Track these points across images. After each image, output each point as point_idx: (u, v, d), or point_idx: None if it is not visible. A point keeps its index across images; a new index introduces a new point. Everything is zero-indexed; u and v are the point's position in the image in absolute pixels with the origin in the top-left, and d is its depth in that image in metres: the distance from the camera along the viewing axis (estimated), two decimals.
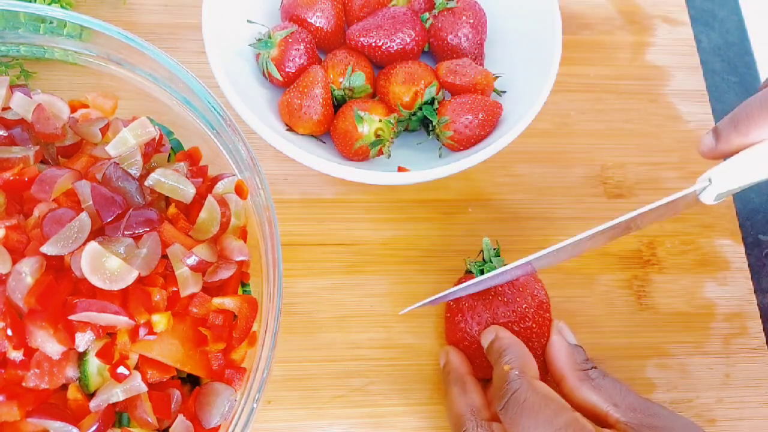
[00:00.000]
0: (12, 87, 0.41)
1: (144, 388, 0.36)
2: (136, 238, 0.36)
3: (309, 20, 0.52)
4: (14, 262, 0.33)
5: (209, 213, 0.39)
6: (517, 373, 0.39)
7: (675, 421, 0.38)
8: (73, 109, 0.44)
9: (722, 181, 0.39)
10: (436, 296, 0.46)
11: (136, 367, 0.36)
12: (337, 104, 0.52)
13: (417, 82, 0.50)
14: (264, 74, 0.52)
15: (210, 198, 0.39)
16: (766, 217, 0.57)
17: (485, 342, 0.44)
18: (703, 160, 0.59)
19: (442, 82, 0.52)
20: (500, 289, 0.47)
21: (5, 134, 0.39)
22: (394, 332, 0.50)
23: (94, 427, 0.34)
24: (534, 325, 0.46)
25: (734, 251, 0.55)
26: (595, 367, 0.42)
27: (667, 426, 0.37)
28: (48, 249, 0.34)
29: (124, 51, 0.43)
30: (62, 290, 0.34)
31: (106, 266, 0.34)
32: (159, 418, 0.36)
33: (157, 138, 0.41)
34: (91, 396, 0.36)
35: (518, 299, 0.46)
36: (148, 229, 0.36)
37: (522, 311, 0.46)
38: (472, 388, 0.43)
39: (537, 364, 0.44)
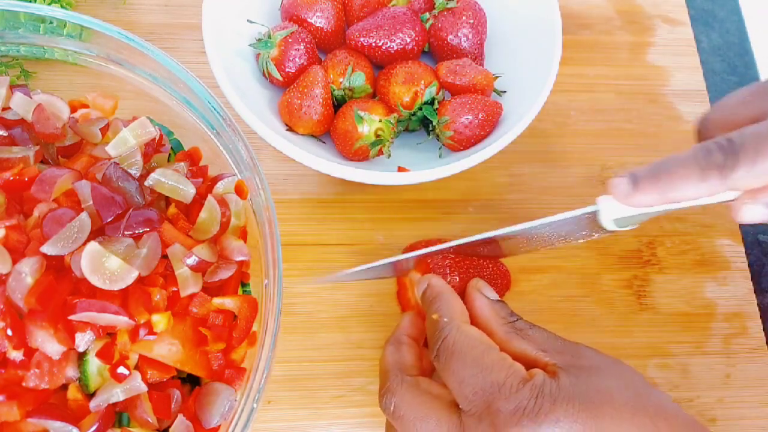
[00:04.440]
0: (12, 87, 0.41)
1: (144, 388, 0.36)
2: (136, 238, 0.36)
3: (309, 20, 0.52)
4: (14, 262, 0.33)
5: (209, 213, 0.39)
6: (446, 320, 0.40)
7: (601, 360, 0.39)
8: (73, 109, 0.44)
9: (608, 207, 0.39)
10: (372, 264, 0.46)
11: (136, 367, 0.36)
12: (337, 104, 0.52)
13: (417, 82, 0.50)
14: (264, 74, 0.52)
15: (210, 198, 0.39)
16: None
17: (419, 292, 0.44)
18: None
19: (442, 82, 0.52)
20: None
21: (5, 134, 0.39)
22: None
23: (94, 427, 0.34)
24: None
25: (734, 251, 0.55)
26: (520, 318, 0.42)
27: (593, 365, 0.38)
28: (48, 249, 0.34)
29: (124, 51, 0.43)
30: (62, 290, 0.34)
31: (106, 266, 0.34)
32: (159, 418, 0.36)
33: (157, 138, 0.41)
34: (91, 396, 0.35)
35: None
36: (148, 229, 0.36)
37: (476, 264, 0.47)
38: (405, 348, 0.42)
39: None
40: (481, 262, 0.48)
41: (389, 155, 0.51)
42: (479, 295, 0.43)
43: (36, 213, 0.36)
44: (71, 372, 0.35)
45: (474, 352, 0.37)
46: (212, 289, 0.39)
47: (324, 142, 0.52)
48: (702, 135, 0.42)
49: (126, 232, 0.36)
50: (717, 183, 0.35)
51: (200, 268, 0.37)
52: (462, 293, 0.45)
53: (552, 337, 0.40)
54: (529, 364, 0.38)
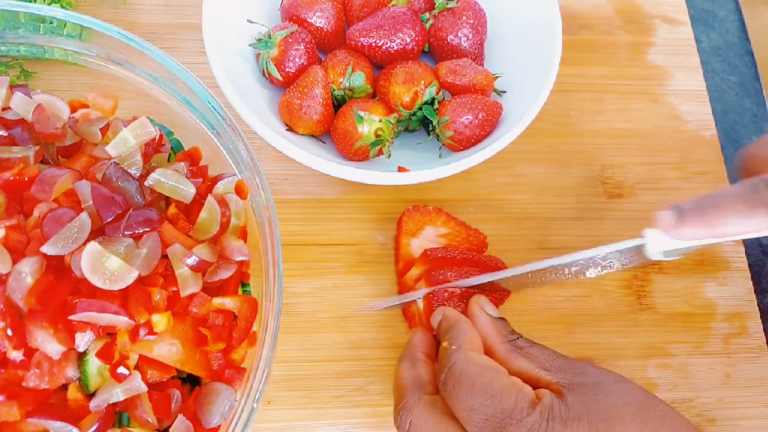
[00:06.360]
0: (12, 87, 0.41)
1: (144, 388, 0.36)
2: (136, 238, 0.36)
3: (309, 20, 0.52)
4: (14, 262, 0.33)
5: (209, 213, 0.39)
6: (453, 347, 0.39)
7: (602, 375, 0.39)
8: (73, 109, 0.44)
9: (655, 240, 0.39)
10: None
11: (136, 367, 0.36)
12: (337, 104, 0.52)
13: (417, 82, 0.50)
14: (264, 74, 0.52)
15: (210, 198, 0.39)
16: None
17: (435, 324, 0.44)
18: (704, 161, 0.59)
19: (442, 82, 0.52)
20: None
21: (5, 134, 0.39)
22: (394, 332, 0.50)
23: (94, 427, 0.34)
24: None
25: (734, 251, 0.55)
26: (521, 337, 0.42)
27: (596, 381, 0.38)
28: (48, 249, 0.34)
29: (124, 51, 0.43)
30: (62, 290, 0.34)
31: (106, 266, 0.34)
32: (159, 418, 0.36)
33: (157, 138, 0.41)
34: (91, 396, 0.35)
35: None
36: (148, 229, 0.36)
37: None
38: (421, 364, 0.42)
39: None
40: (482, 272, 0.48)
41: (389, 155, 0.51)
42: (481, 312, 0.43)
43: (36, 213, 0.36)
44: (71, 372, 0.35)
45: (482, 379, 0.37)
46: (212, 289, 0.39)
47: (324, 142, 0.52)
48: (747, 171, 0.42)
49: (126, 232, 0.36)
50: (765, 220, 0.36)
51: (200, 268, 0.37)
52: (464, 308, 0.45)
53: (553, 355, 0.40)
54: (532, 383, 0.39)
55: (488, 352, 0.42)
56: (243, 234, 0.42)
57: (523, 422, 0.35)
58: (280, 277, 0.39)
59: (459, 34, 0.53)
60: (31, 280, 0.33)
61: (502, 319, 0.43)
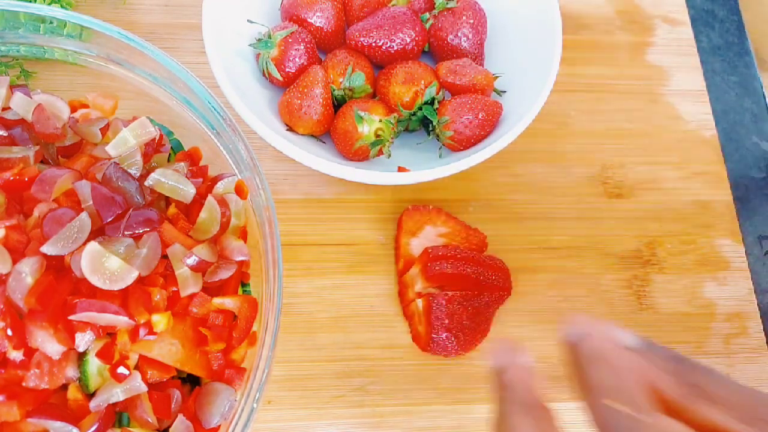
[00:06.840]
0: (12, 87, 0.41)
1: (144, 388, 0.36)
2: (136, 238, 0.36)
3: (309, 20, 0.52)
4: (14, 262, 0.33)
5: (209, 213, 0.39)
6: (637, 415, 0.27)
7: None
8: (73, 109, 0.44)
9: None
10: None
11: (136, 367, 0.36)
12: (337, 104, 0.52)
13: (417, 82, 0.50)
14: (264, 74, 0.52)
15: (210, 198, 0.39)
16: (766, 217, 0.57)
17: (564, 335, 0.29)
18: (704, 161, 0.59)
19: (442, 82, 0.52)
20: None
21: (5, 134, 0.39)
22: (394, 332, 0.50)
23: (94, 427, 0.34)
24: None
25: (734, 251, 0.55)
26: (683, 358, 0.29)
27: None
28: (48, 249, 0.34)
29: (124, 51, 0.43)
30: (62, 290, 0.34)
31: (106, 266, 0.34)
32: (159, 418, 0.36)
33: (157, 138, 0.41)
34: (91, 396, 0.35)
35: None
36: (148, 229, 0.36)
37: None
38: (549, 422, 0.28)
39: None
40: (481, 270, 0.48)
41: (389, 155, 0.51)
42: (620, 349, 0.29)
43: (36, 213, 0.36)
44: (71, 372, 0.35)
45: None
46: (212, 289, 0.39)
47: (324, 142, 0.52)
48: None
49: (126, 232, 0.36)
50: None
51: (200, 268, 0.37)
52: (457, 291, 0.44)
53: (736, 389, 0.28)
54: None
55: (656, 402, 0.28)
56: (243, 234, 0.42)
57: None
58: (280, 277, 0.39)
59: (459, 34, 0.53)
60: (31, 280, 0.33)
61: (651, 343, 0.30)
